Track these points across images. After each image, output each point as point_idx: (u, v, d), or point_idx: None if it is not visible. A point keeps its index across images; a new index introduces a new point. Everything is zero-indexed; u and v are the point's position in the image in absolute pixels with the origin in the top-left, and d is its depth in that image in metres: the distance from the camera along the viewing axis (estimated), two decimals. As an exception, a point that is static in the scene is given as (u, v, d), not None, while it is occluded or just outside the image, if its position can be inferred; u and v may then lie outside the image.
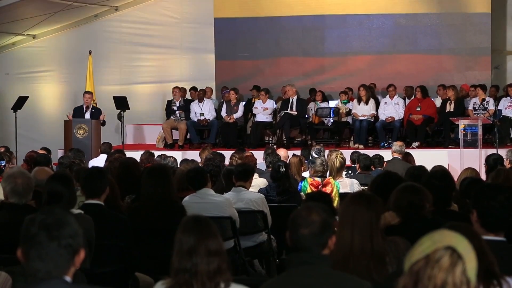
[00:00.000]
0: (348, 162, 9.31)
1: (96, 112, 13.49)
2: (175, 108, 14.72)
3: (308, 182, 7.32)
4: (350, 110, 14.33)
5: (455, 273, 2.06)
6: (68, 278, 2.39)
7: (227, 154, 10.20)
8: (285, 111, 14.11)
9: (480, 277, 2.38)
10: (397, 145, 10.19)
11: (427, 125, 13.65)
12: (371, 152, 10.27)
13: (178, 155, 11.07)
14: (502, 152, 9.52)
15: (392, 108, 13.93)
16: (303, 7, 16.15)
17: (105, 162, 9.37)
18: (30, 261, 2.37)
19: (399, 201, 4.13)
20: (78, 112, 13.56)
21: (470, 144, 12.19)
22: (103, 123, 13.58)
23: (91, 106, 13.56)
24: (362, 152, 10.12)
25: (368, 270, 3.29)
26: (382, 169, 8.92)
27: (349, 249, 3.33)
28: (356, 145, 13.55)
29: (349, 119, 14.37)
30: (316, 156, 8.62)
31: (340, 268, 3.13)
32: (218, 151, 10.31)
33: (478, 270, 2.11)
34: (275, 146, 12.50)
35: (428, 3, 15.70)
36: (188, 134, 14.53)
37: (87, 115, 13.42)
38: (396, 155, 9.92)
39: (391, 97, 14.02)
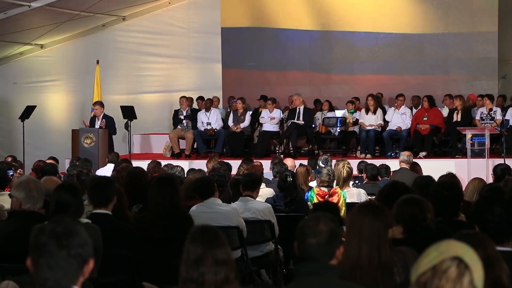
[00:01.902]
0: (355, 172, 9.29)
1: (107, 121, 13.53)
2: (182, 117, 14.75)
3: (314, 191, 7.32)
4: (357, 119, 14.32)
5: (462, 283, 2.05)
6: (76, 288, 2.39)
7: (234, 163, 10.20)
8: (292, 120, 14.11)
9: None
10: (405, 155, 10.18)
11: (434, 135, 13.62)
12: (378, 162, 10.25)
13: (185, 165, 11.07)
14: (510, 162, 9.50)
15: (399, 118, 13.91)
16: (310, 23, 16.18)
17: (113, 171, 9.39)
18: (39, 270, 2.36)
19: (401, 215, 4.10)
20: (92, 122, 13.69)
21: (477, 154, 12.14)
22: (114, 131, 13.64)
23: (101, 116, 13.61)
24: (369, 162, 10.12)
25: (375, 281, 3.27)
26: (389, 179, 8.91)
27: (357, 259, 3.29)
28: (363, 155, 13.53)
29: (356, 128, 14.35)
30: (323, 165, 8.63)
31: (348, 278, 3.11)
32: (225, 161, 10.32)
33: (486, 281, 2.11)
34: (282, 156, 12.49)
35: (435, 22, 15.63)
36: (195, 143, 14.54)
37: (97, 125, 13.49)
38: (404, 165, 9.91)
39: (399, 107, 14.00)
